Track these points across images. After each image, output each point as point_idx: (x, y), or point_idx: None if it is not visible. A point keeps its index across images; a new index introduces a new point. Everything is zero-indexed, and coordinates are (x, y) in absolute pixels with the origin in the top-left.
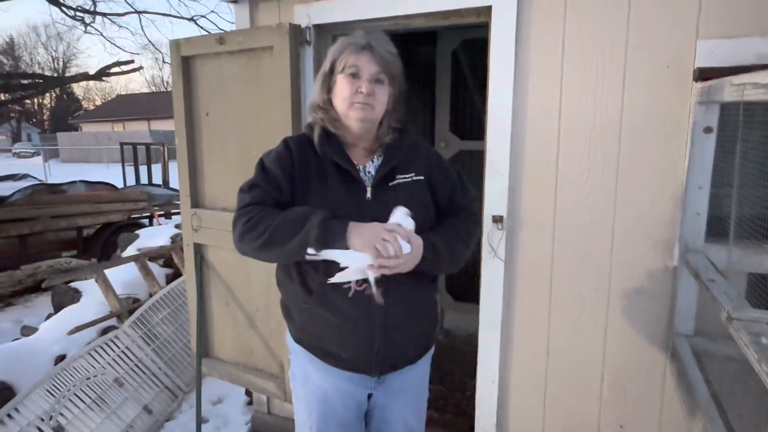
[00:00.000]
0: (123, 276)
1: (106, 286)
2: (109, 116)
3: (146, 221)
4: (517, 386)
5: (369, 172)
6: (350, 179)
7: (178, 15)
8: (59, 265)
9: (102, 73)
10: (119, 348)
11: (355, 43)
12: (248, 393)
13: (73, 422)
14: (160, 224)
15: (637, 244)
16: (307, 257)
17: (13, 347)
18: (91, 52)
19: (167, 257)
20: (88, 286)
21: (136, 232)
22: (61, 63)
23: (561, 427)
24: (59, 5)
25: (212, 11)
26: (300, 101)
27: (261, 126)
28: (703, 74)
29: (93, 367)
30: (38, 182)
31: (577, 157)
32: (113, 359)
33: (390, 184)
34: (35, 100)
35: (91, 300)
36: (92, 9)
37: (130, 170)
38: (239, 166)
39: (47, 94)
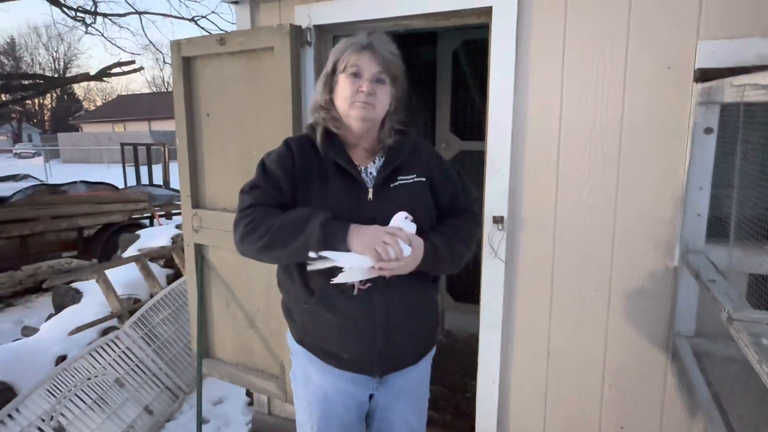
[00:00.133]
0: (124, 276)
1: (107, 286)
2: (110, 117)
3: (147, 222)
4: (518, 387)
5: (371, 173)
6: (352, 180)
7: (179, 15)
8: (60, 266)
9: (103, 74)
10: (120, 348)
11: (356, 43)
12: (249, 393)
13: (73, 423)
14: (160, 225)
15: (637, 244)
16: (309, 262)
17: (13, 347)
18: (91, 53)
19: (168, 258)
20: (88, 287)
21: (137, 232)
22: (61, 63)
23: (562, 427)
24: (60, 6)
25: (213, 12)
26: (300, 102)
27: (261, 126)
28: (704, 75)
29: (94, 367)
30: (39, 183)
31: (578, 157)
32: (114, 360)
33: (391, 185)
34: (36, 101)
35: (92, 300)
36: (93, 9)
37: (130, 171)
38: (240, 166)
39: (48, 95)
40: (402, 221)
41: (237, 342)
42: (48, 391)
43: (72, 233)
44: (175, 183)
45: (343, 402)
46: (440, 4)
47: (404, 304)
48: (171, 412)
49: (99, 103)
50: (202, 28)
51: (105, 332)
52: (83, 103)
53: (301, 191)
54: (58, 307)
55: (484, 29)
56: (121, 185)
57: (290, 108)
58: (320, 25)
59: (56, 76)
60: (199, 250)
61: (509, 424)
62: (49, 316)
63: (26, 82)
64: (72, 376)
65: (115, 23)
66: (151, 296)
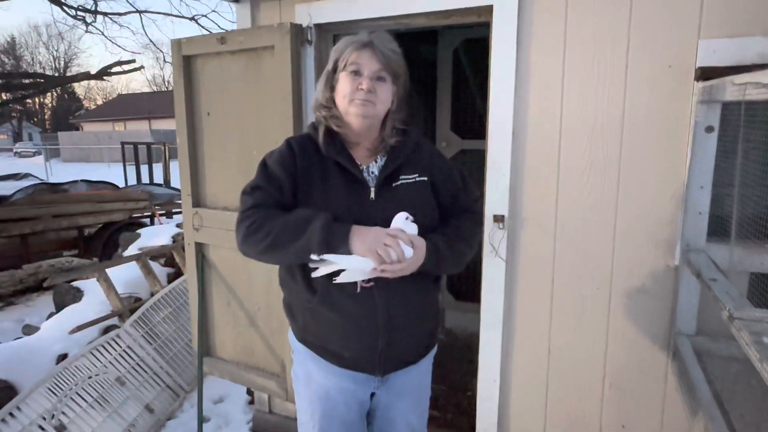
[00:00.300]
0: (124, 275)
1: (108, 285)
2: (110, 116)
3: (147, 220)
4: (518, 386)
5: (372, 172)
6: (353, 179)
7: (180, 14)
8: (61, 265)
9: (103, 73)
10: (121, 347)
11: (357, 41)
12: (249, 392)
13: (74, 421)
14: (161, 223)
15: (638, 243)
16: (311, 264)
17: (14, 346)
18: (92, 52)
19: (168, 256)
20: (89, 286)
21: (138, 231)
22: (62, 62)
23: (562, 426)
24: (60, 5)
25: (213, 11)
26: (301, 101)
27: (262, 125)
28: (705, 74)
29: (95, 366)
30: (40, 182)
31: (579, 156)
32: (115, 358)
33: (394, 184)
34: (36, 100)
35: (93, 299)
36: (93, 8)
37: (131, 169)
38: (240, 165)
39: (48, 94)
40: (403, 222)
41: (238, 341)
42: (49, 389)
43: (73, 232)
44: (175, 182)
45: (345, 401)
46: (441, 2)
47: (406, 304)
48: (172, 410)
49: (99, 102)
50: (203, 27)
51: (106, 331)
52: (84, 102)
53: (302, 191)
54: (59, 306)
55: (485, 28)
56: (121, 184)
57: (290, 107)
58: (321, 23)
59: (57, 75)
60: (200, 248)
61: (510, 422)
62: (50, 315)
63: (27, 81)
64: (73, 374)
65: (116, 22)
66: (152, 295)
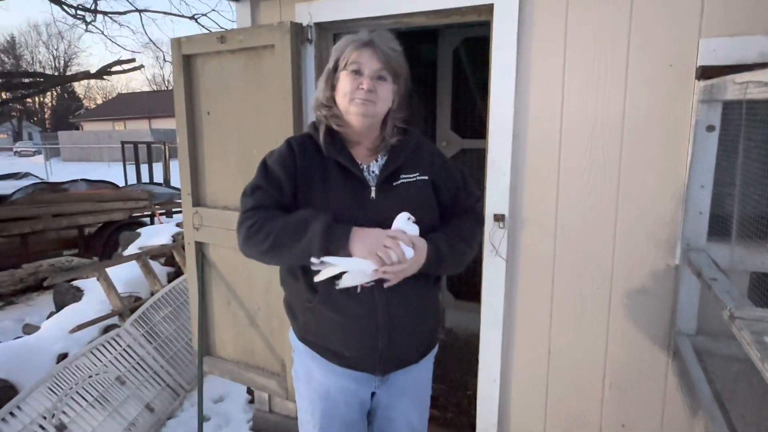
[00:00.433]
0: (124, 274)
1: (108, 284)
2: (110, 115)
3: (147, 220)
4: (519, 385)
5: (373, 172)
6: (354, 178)
7: (179, 13)
8: (61, 264)
9: (103, 72)
10: (121, 346)
11: (357, 40)
12: (250, 391)
13: (75, 420)
14: (161, 223)
15: (638, 243)
16: (314, 270)
17: (14, 346)
18: (92, 51)
19: (168, 256)
20: (89, 285)
21: (138, 230)
22: (62, 62)
23: (562, 426)
24: (60, 4)
25: (213, 9)
26: (301, 100)
27: (262, 125)
28: (706, 73)
29: (95, 365)
30: (39, 181)
31: (579, 155)
32: (115, 357)
33: (394, 183)
34: (36, 99)
35: (93, 298)
36: (93, 7)
37: (131, 169)
38: (240, 165)
39: (48, 93)
40: (404, 222)
41: (238, 340)
42: (49, 389)
43: (73, 231)
44: (175, 181)
45: (345, 400)
46: (441, 1)
47: (406, 304)
48: (172, 409)
49: (99, 102)
50: (203, 26)
51: (106, 330)
52: (83, 102)
53: (302, 191)
54: (59, 305)
55: (485, 27)
56: (121, 183)
57: (291, 106)
58: (321, 22)
59: (56, 74)
60: (200, 248)
61: (510, 422)
62: (50, 314)
63: (27, 80)
64: (73, 373)
65: (116, 21)
66: (152, 294)
